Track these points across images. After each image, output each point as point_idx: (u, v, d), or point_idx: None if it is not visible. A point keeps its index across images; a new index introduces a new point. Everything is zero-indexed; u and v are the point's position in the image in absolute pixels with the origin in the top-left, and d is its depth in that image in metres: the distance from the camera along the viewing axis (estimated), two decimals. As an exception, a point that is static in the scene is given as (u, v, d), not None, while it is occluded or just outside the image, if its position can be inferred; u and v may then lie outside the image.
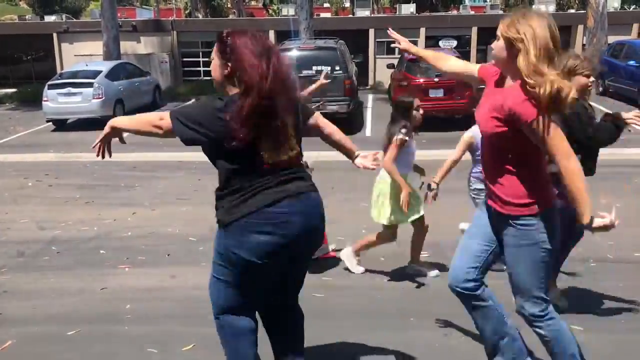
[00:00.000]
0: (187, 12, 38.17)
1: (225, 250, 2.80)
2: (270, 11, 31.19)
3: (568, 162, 2.63)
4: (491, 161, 2.91)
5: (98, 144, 2.84)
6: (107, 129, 2.82)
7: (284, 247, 2.71)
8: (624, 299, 4.50)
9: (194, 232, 6.30)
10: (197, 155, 11.01)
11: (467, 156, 4.97)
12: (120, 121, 2.84)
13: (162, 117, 2.73)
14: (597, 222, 2.64)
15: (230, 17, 29.11)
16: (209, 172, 7.60)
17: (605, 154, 10.33)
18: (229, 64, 2.68)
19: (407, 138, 4.62)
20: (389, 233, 4.97)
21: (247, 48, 2.65)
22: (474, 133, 4.68)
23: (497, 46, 2.77)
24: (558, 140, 2.62)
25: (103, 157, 2.90)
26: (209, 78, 22.89)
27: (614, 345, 3.84)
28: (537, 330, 3.02)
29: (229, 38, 2.71)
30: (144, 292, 4.91)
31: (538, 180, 2.82)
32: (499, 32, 2.77)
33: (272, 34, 23.21)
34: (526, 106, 2.62)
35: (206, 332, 4.11)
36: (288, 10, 25.96)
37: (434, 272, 5.04)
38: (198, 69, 23.47)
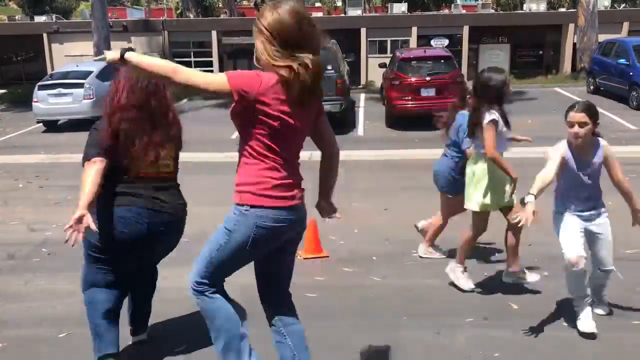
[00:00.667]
0: (178, 12, 38.09)
1: None
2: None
3: None
4: None
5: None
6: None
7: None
8: (612, 295, 4.52)
9: (187, 232, 6.26)
10: (196, 155, 10.95)
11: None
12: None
13: None
14: None
15: (222, 16, 29.05)
16: (200, 173, 7.65)
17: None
18: None
19: (498, 118, 4.24)
20: (481, 223, 4.55)
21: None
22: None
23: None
24: None
25: None
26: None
27: (601, 343, 3.85)
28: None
29: None
30: (65, 296, 4.84)
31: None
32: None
33: (263, 34, 23.22)
34: None
35: (201, 333, 4.10)
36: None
37: (534, 277, 4.67)
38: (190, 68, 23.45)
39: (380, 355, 3.77)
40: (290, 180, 2.77)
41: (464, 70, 21.00)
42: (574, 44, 20.24)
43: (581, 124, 3.76)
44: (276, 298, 3.14)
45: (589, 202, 4.01)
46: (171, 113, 3.52)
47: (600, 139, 3.95)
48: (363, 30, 23.03)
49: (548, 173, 3.78)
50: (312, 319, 4.28)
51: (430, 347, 3.85)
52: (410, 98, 12.02)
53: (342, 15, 26.08)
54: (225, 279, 3.01)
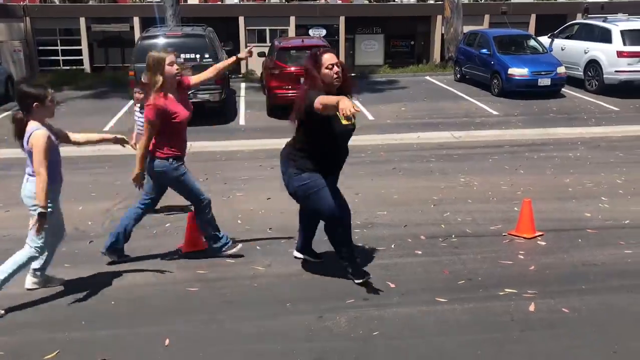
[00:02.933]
0: (41, -4, 35.38)
1: None
2: (135, -3, 29.81)
3: None
4: None
5: None
6: None
7: None
8: (479, 270, 4.87)
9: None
10: (69, 150, 10.22)
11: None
12: None
13: None
14: None
15: (91, 2, 27.42)
16: (70, 169, 7.17)
17: (463, 136, 11.09)
18: None
19: None
20: None
21: None
22: None
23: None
24: None
25: None
26: (69, 67, 21.30)
27: (471, 313, 4.15)
28: None
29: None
30: (3, 299, 4.53)
31: None
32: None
33: (136, 21, 22.21)
34: None
35: (72, 337, 3.89)
36: (153, -3, 24.96)
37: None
38: (57, 58, 21.92)
39: (264, 343, 3.79)
40: None
41: (342, 60, 21.44)
42: (442, 35, 21.37)
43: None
44: None
45: None
46: None
47: None
48: (241, 19, 22.78)
49: None
50: (193, 312, 4.22)
51: (313, 331, 3.93)
52: (290, 87, 12.06)
53: (219, 3, 25.61)
54: None
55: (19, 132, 4.11)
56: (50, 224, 4.17)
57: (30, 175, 4.16)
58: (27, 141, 4.03)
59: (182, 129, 4.82)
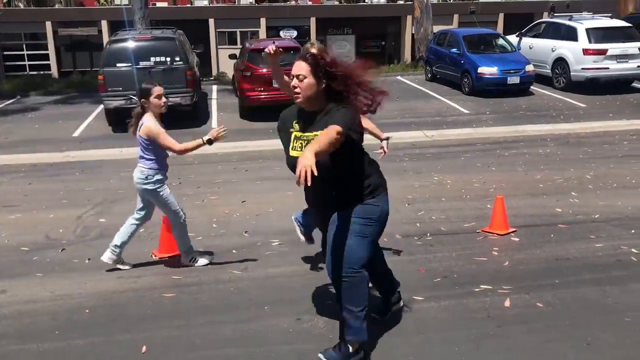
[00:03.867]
0: (5, 0, 34.69)
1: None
2: (102, 0, 29.37)
3: None
4: None
5: None
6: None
7: None
8: (455, 267, 4.92)
9: (26, 241, 5.79)
10: (27, 157, 10.09)
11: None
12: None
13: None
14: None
15: (57, 6, 26.94)
16: (40, 176, 7.03)
17: (435, 135, 11.19)
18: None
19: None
20: None
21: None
22: None
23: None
24: None
25: None
26: (35, 72, 20.88)
27: (447, 311, 4.19)
28: None
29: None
30: None
31: None
32: None
33: (104, 25, 21.92)
34: None
35: (46, 348, 3.81)
36: (121, 0, 24.66)
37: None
38: (23, 63, 21.50)
39: (243, 347, 3.77)
40: None
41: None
42: (413, 35, 21.55)
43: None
44: None
45: None
46: None
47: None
48: (211, 21, 22.67)
49: None
50: (170, 318, 4.18)
51: (291, 333, 3.92)
52: (262, 89, 12.03)
53: (189, 5, 25.41)
54: None
55: (136, 124, 4.77)
56: (170, 201, 4.82)
57: (139, 159, 4.79)
58: (139, 130, 4.70)
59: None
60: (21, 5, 26.07)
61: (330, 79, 3.28)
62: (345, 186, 3.38)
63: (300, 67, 3.28)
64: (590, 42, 13.68)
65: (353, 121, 3.21)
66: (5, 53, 21.66)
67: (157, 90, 4.71)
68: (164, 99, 4.75)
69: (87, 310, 4.33)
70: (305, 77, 3.25)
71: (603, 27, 14.11)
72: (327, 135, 3.00)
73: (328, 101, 3.31)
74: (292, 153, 3.33)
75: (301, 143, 3.31)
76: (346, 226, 3.38)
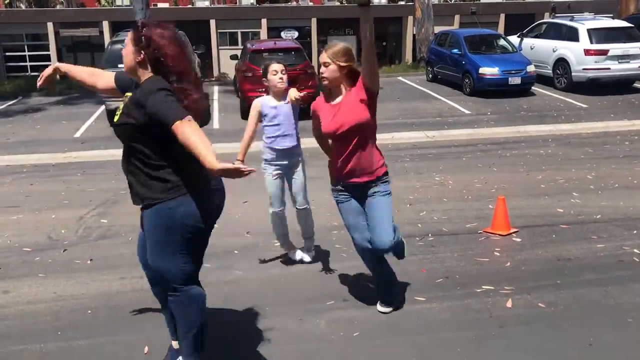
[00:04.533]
0: (6, 1, 34.74)
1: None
2: (103, 1, 29.40)
3: None
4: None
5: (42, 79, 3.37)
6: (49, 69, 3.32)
7: None
8: (457, 268, 4.92)
9: (28, 242, 5.80)
10: (28, 158, 10.10)
11: None
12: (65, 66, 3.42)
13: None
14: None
15: (58, 7, 26.99)
16: (42, 177, 7.02)
17: (437, 135, 11.19)
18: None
19: None
20: None
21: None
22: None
23: (329, 70, 3.69)
24: None
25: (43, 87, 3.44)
26: (37, 73, 21.02)
27: (449, 311, 4.19)
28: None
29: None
30: None
31: None
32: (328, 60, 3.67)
33: (106, 26, 21.94)
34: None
35: (49, 348, 3.82)
36: (123, 1, 24.71)
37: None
38: (24, 64, 21.52)
39: (245, 348, 3.77)
40: None
41: (314, 61, 21.51)
42: (414, 35, 21.55)
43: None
44: None
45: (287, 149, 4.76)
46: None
47: None
48: (213, 22, 22.69)
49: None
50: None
51: (293, 334, 3.92)
52: (263, 90, 12.06)
53: (190, 6, 25.43)
54: None
55: None
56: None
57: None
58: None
59: None
60: (23, 6, 26.11)
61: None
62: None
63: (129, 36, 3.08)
64: (591, 42, 13.67)
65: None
66: (7, 54, 21.70)
67: (274, 65, 4.67)
68: (280, 75, 4.66)
69: (89, 311, 4.33)
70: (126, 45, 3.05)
71: (604, 28, 14.11)
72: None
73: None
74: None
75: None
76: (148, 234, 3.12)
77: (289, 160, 4.80)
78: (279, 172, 4.80)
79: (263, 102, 4.77)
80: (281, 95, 4.73)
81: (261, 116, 4.79)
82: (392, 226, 3.86)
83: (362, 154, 3.79)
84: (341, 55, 3.69)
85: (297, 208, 4.91)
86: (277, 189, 4.83)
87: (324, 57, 3.71)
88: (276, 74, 4.64)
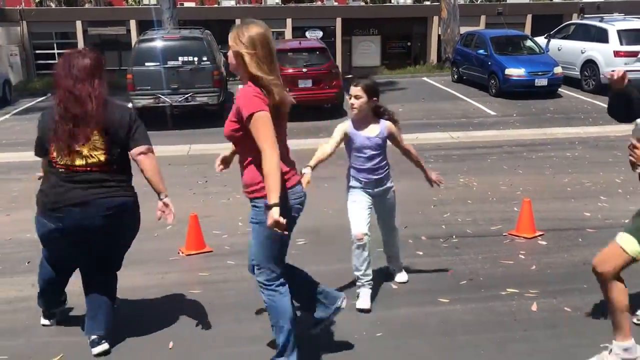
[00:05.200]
0: (37, 0, 35.42)
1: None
2: (131, 0, 29.79)
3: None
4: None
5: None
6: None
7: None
8: (481, 270, 4.88)
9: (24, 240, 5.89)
10: (29, 155, 10.13)
11: None
12: None
13: None
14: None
15: (87, 6, 27.42)
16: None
17: (461, 136, 11.10)
18: None
19: None
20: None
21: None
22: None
23: (229, 56, 3.33)
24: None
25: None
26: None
27: (473, 313, 4.16)
28: (262, 295, 3.42)
29: None
30: (3, 303, 4.54)
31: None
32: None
33: (133, 24, 22.22)
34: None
35: (75, 341, 3.89)
36: (150, 0, 24.99)
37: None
38: (53, 61, 21.89)
39: (269, 346, 3.79)
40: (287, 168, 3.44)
41: (339, 61, 21.52)
42: (439, 36, 21.41)
43: (357, 97, 4.04)
44: None
45: (375, 176, 4.28)
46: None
47: (383, 120, 4.23)
48: (238, 21, 22.79)
49: (327, 147, 4.17)
50: (197, 316, 4.22)
51: (315, 334, 3.92)
52: (288, 89, 12.06)
53: (216, 5, 25.62)
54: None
55: None
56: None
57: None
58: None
59: None
60: (52, 5, 26.59)
61: None
62: None
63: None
64: (621, 44, 13.45)
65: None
66: (37, 52, 22.11)
67: (351, 89, 4.12)
68: (352, 100, 4.10)
69: (115, 306, 4.39)
70: None
71: (635, 29, 13.86)
72: None
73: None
74: None
75: None
76: None
77: None
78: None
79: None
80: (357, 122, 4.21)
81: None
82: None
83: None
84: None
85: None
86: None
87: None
88: (350, 98, 4.14)
